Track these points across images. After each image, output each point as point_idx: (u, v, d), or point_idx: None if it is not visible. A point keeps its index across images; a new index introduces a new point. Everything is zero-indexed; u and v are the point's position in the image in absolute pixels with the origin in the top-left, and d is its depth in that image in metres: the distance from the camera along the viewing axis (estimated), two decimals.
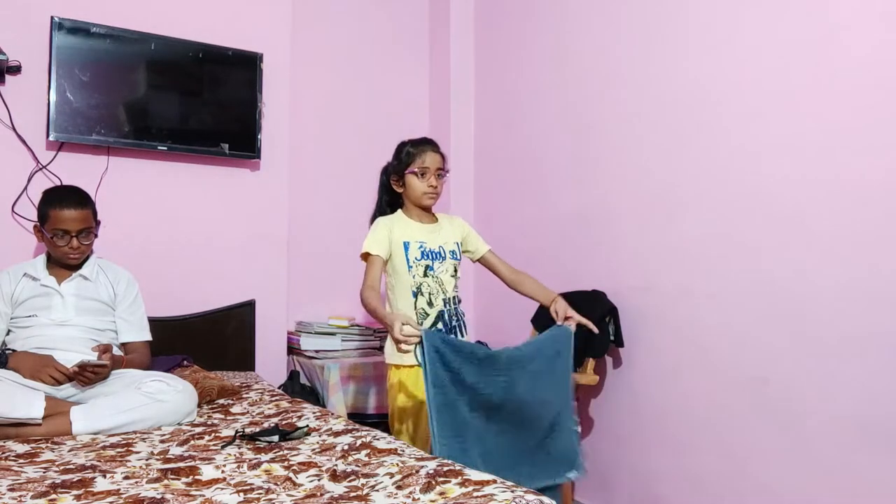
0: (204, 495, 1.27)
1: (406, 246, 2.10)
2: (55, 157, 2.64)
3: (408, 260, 2.10)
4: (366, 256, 2.07)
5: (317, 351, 3.00)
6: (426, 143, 2.17)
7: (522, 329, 2.90)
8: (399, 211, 2.21)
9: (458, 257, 2.21)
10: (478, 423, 1.83)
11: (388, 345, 2.13)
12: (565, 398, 2.03)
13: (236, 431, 1.74)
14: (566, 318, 2.06)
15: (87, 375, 1.95)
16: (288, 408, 2.07)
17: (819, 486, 1.93)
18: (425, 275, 2.11)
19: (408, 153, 2.14)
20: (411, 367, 2.06)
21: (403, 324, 1.73)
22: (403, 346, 1.72)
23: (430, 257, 2.13)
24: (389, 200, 2.24)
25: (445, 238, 2.18)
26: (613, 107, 2.67)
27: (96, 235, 2.24)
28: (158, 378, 1.98)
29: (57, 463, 1.50)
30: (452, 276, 2.18)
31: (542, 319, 2.77)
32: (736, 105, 2.19)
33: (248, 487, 1.31)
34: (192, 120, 2.86)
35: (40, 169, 2.61)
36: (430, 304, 2.11)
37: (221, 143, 2.90)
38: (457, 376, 1.78)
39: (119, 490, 1.29)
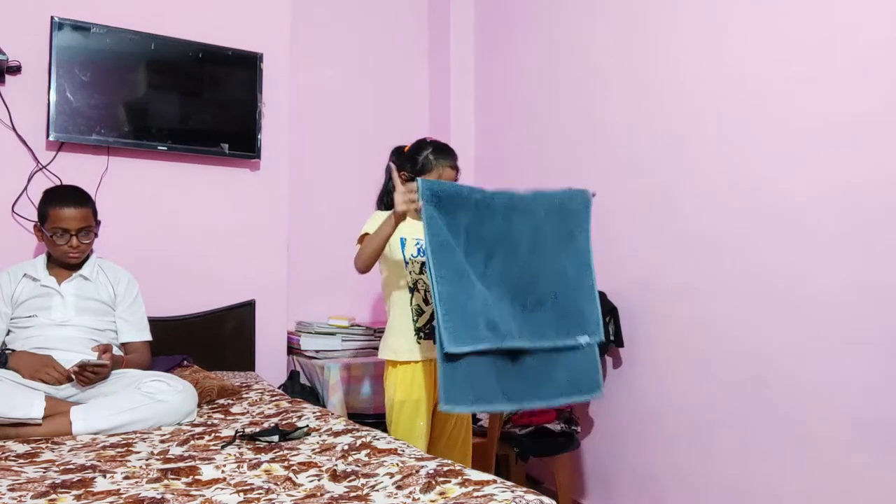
0: (204, 495, 1.27)
1: (402, 242, 2.10)
2: (55, 157, 2.64)
3: (404, 256, 2.10)
4: (362, 238, 2.06)
5: (317, 351, 3.00)
6: (447, 157, 2.12)
7: None
8: None
9: None
10: (477, 267, 1.84)
11: (384, 342, 2.15)
12: (584, 255, 1.94)
13: (236, 431, 1.74)
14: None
15: (87, 375, 1.95)
16: (288, 408, 2.07)
17: (819, 485, 1.93)
18: (421, 272, 2.11)
19: (427, 160, 2.10)
20: (407, 363, 2.07)
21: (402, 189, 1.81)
22: (413, 200, 1.80)
23: None
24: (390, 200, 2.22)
25: None
26: (613, 105, 2.67)
27: (96, 235, 2.24)
28: (158, 378, 1.98)
29: (57, 463, 1.50)
30: None
31: None
32: (736, 104, 2.19)
33: (248, 487, 1.31)
34: (192, 120, 2.86)
35: (40, 169, 2.61)
36: (426, 301, 2.09)
37: (221, 143, 2.90)
38: (454, 219, 1.82)
39: (119, 490, 1.29)
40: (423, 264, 2.10)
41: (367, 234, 2.05)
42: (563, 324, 1.89)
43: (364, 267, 2.04)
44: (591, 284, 1.93)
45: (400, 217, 1.89)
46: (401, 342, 2.08)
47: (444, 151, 2.14)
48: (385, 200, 2.20)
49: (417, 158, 2.11)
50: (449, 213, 1.84)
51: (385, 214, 2.10)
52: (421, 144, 2.16)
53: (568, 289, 1.91)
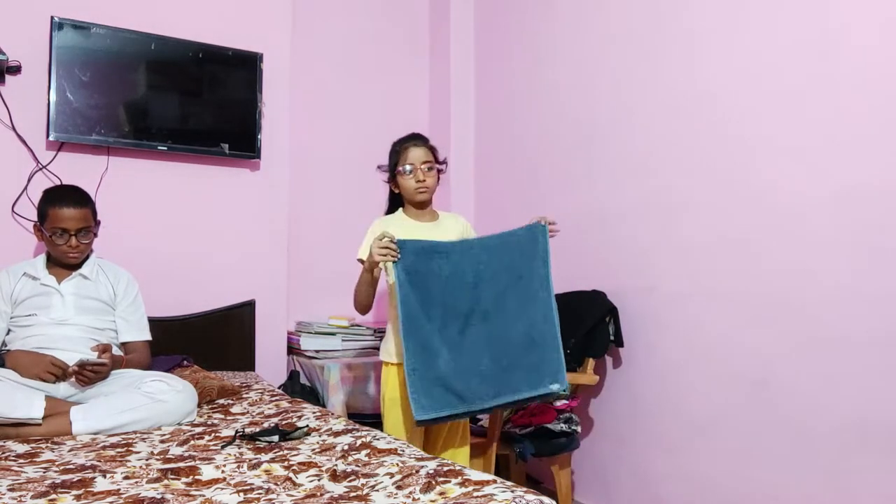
0: (204, 495, 1.27)
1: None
2: (55, 157, 2.64)
3: None
4: (361, 261, 2.10)
5: (317, 351, 3.00)
6: (409, 139, 2.16)
7: None
8: (400, 210, 2.22)
9: None
10: (451, 337, 1.95)
11: (384, 344, 2.16)
12: (547, 308, 2.02)
13: (236, 431, 1.74)
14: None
15: (87, 374, 1.95)
16: (288, 408, 2.07)
17: (819, 486, 1.93)
18: None
19: (394, 152, 2.15)
20: (402, 364, 2.06)
21: (380, 239, 1.90)
22: (379, 257, 1.90)
23: None
24: (392, 207, 2.26)
25: (446, 235, 2.17)
26: (614, 107, 2.67)
27: (96, 235, 2.24)
28: (158, 378, 1.98)
29: (57, 463, 1.50)
30: None
31: None
32: (736, 106, 2.19)
33: (248, 487, 1.31)
34: (192, 120, 2.86)
35: (40, 169, 2.61)
36: None
37: (221, 143, 2.90)
38: (427, 294, 1.94)
39: (119, 490, 1.29)
40: None
41: (361, 261, 2.08)
42: (535, 377, 1.98)
43: (362, 310, 2.11)
44: (555, 334, 2.00)
45: (374, 265, 1.97)
46: (396, 345, 2.08)
47: (406, 137, 2.17)
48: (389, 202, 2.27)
49: (390, 159, 2.16)
50: (421, 288, 1.95)
51: (381, 222, 2.15)
52: (391, 146, 2.19)
53: (536, 345, 2.00)
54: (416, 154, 2.12)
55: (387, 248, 1.91)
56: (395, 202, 2.24)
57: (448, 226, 2.21)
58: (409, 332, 1.92)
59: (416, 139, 2.17)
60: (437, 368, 1.92)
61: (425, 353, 1.93)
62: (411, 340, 1.92)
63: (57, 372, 1.96)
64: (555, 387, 1.96)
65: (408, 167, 2.11)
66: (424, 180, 2.12)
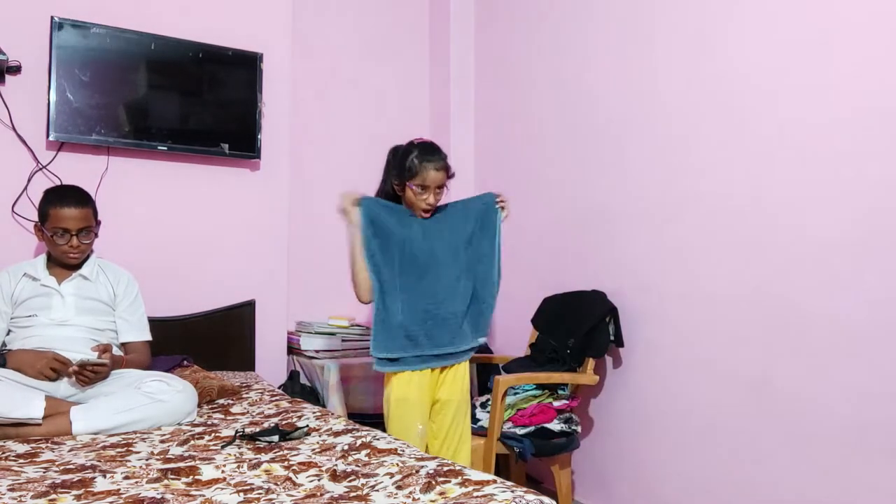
0: (204, 495, 1.27)
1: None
2: (55, 157, 2.64)
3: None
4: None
5: (317, 351, 3.00)
6: (431, 159, 2.09)
7: (523, 329, 2.90)
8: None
9: None
10: (409, 283, 2.11)
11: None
12: (488, 269, 2.20)
13: (236, 431, 1.74)
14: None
15: (87, 374, 1.95)
16: (288, 408, 2.07)
17: (818, 486, 1.93)
18: None
19: (412, 164, 2.07)
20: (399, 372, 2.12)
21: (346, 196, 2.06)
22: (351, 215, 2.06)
23: None
24: (391, 190, 2.19)
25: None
26: (614, 107, 2.67)
27: (96, 235, 2.24)
28: (158, 378, 1.99)
29: (57, 463, 1.50)
30: None
31: (542, 319, 2.77)
32: (736, 106, 2.19)
33: (248, 487, 1.31)
34: (192, 120, 2.86)
35: (40, 169, 2.61)
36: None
37: (221, 143, 2.90)
38: (386, 241, 2.10)
39: (119, 490, 1.29)
40: None
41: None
42: (475, 329, 2.21)
43: (364, 294, 2.11)
44: (493, 294, 2.22)
45: (344, 214, 2.09)
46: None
47: (429, 152, 2.11)
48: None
49: (405, 164, 2.09)
50: (382, 236, 2.10)
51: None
52: (409, 148, 2.13)
53: (478, 300, 2.20)
54: (434, 178, 2.08)
55: (352, 196, 2.07)
56: (392, 193, 2.19)
57: None
58: (373, 272, 2.08)
59: (439, 160, 2.11)
60: (397, 313, 2.08)
61: (387, 296, 2.08)
62: (374, 281, 2.08)
63: (60, 368, 1.96)
64: (481, 340, 2.22)
65: (421, 188, 2.08)
66: (433, 203, 2.12)
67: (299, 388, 2.85)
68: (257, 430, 1.78)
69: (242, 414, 2.07)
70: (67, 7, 2.64)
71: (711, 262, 2.26)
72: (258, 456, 1.55)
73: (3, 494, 1.24)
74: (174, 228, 2.86)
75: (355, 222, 2.06)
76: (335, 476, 1.39)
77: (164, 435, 1.80)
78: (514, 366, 2.62)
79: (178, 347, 2.66)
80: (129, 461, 1.52)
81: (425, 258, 2.12)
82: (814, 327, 1.96)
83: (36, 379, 1.94)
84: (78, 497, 1.25)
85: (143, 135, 2.75)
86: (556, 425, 2.41)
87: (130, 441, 1.73)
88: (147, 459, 1.54)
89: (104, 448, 1.65)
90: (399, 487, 1.28)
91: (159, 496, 1.25)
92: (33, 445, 1.68)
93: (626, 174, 2.60)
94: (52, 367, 1.96)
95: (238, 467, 1.46)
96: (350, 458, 1.50)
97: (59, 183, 2.54)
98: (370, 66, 3.53)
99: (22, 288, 2.16)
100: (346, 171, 3.39)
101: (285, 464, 1.47)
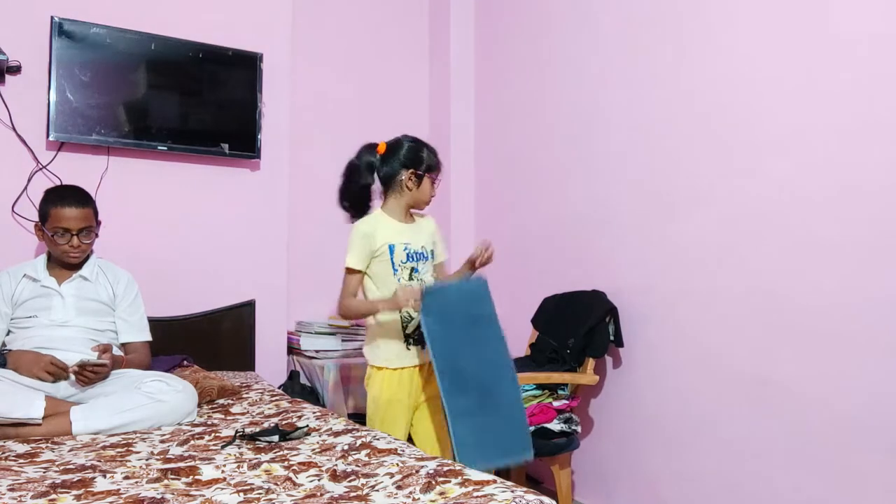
0: (204, 495, 1.27)
1: (392, 249, 2.06)
2: (55, 157, 2.64)
3: (393, 264, 2.06)
4: (350, 271, 2.06)
5: (317, 351, 3.00)
6: (437, 155, 2.16)
7: (523, 330, 2.90)
8: (379, 210, 2.14)
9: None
10: (480, 381, 1.98)
11: (373, 349, 2.13)
12: (506, 369, 2.06)
13: (236, 431, 1.74)
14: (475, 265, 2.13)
15: (87, 375, 1.95)
16: (288, 408, 2.07)
17: (818, 486, 1.93)
18: (410, 278, 2.08)
19: (429, 157, 2.11)
20: (395, 369, 2.09)
21: (411, 299, 1.93)
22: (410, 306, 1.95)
23: (415, 258, 2.10)
24: (360, 193, 2.15)
25: (424, 238, 2.15)
26: (614, 107, 2.67)
27: (97, 235, 2.24)
28: (158, 378, 1.98)
29: (57, 463, 1.50)
30: (433, 276, 2.15)
31: (542, 319, 2.77)
32: (735, 107, 2.19)
33: (248, 487, 1.31)
34: (191, 120, 2.86)
35: (40, 169, 2.61)
36: (407, 313, 2.09)
37: (221, 143, 2.90)
38: (450, 333, 1.97)
39: (119, 490, 1.29)
40: (412, 270, 2.09)
41: (352, 269, 2.05)
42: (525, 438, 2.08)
43: (350, 319, 2.12)
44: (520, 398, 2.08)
45: (398, 308, 2.01)
46: (392, 351, 2.08)
47: (435, 153, 2.15)
48: (350, 202, 2.17)
49: (420, 156, 2.09)
50: (445, 322, 1.97)
51: (367, 226, 2.07)
52: (417, 143, 2.12)
53: (519, 406, 2.09)
54: (441, 170, 2.17)
55: (416, 298, 1.94)
56: (365, 191, 2.16)
57: (423, 227, 2.19)
58: (443, 372, 1.92)
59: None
60: (477, 412, 1.93)
61: (464, 395, 1.93)
62: (446, 380, 1.91)
63: (56, 372, 1.96)
64: (528, 455, 2.06)
65: (436, 179, 2.14)
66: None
67: (299, 388, 2.86)
68: (257, 430, 1.78)
69: (242, 414, 2.07)
70: (67, 7, 2.64)
71: (711, 262, 2.26)
72: (258, 456, 1.55)
73: (3, 494, 1.24)
74: (174, 228, 2.86)
75: (417, 311, 1.99)
76: (335, 476, 1.39)
77: (164, 435, 1.80)
78: (514, 366, 2.61)
79: (178, 347, 2.66)
80: (129, 461, 1.52)
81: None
82: (813, 327, 1.96)
83: (33, 380, 1.94)
84: (78, 497, 1.25)
85: (143, 135, 2.75)
86: (556, 425, 2.41)
87: (130, 441, 1.73)
88: (147, 459, 1.54)
89: (104, 448, 1.65)
90: (399, 487, 1.28)
91: (159, 496, 1.25)
92: (33, 445, 1.68)
93: (626, 174, 2.60)
94: (49, 371, 1.95)
95: (238, 467, 1.46)
96: (350, 458, 1.50)
97: (59, 183, 2.54)
98: (370, 66, 3.53)
99: (22, 289, 2.16)
100: None
101: (285, 464, 1.47)
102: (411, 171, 2.08)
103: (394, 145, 2.11)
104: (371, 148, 2.15)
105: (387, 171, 2.11)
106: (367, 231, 2.05)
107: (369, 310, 2.07)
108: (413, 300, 1.92)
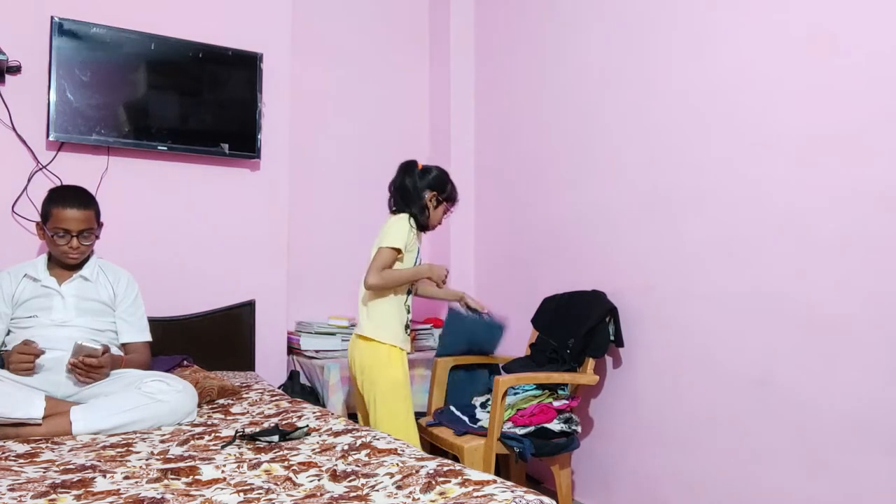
0: (204, 495, 1.27)
1: (418, 251, 2.42)
2: (55, 157, 2.64)
3: (416, 263, 2.42)
4: (394, 251, 2.29)
5: (317, 351, 3.00)
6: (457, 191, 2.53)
7: (523, 329, 2.90)
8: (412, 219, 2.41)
9: None
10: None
11: (383, 328, 2.33)
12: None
13: (236, 431, 1.74)
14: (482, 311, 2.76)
15: (82, 368, 1.94)
16: (288, 408, 2.07)
17: (819, 486, 1.93)
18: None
19: (452, 189, 2.47)
20: (401, 350, 2.37)
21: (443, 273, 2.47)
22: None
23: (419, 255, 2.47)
24: (413, 201, 2.41)
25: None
26: (613, 109, 2.67)
27: (97, 237, 2.24)
28: (158, 378, 1.98)
29: (57, 463, 1.50)
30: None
31: (542, 319, 2.77)
32: (737, 107, 2.19)
33: (248, 487, 1.31)
34: (192, 120, 2.86)
35: (40, 169, 2.61)
36: (408, 306, 2.45)
37: (221, 143, 2.90)
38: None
39: (119, 490, 1.29)
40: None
41: (397, 249, 2.29)
42: None
43: (386, 290, 2.32)
44: None
45: (433, 276, 2.43)
46: (399, 332, 2.36)
47: (456, 189, 2.50)
48: (418, 218, 2.41)
49: (447, 188, 2.44)
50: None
51: (410, 225, 2.36)
52: (444, 174, 2.45)
53: None
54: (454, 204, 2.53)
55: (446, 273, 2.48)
56: (410, 208, 2.39)
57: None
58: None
59: None
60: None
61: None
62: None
63: (28, 359, 1.94)
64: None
65: (450, 210, 2.51)
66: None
67: (299, 388, 2.86)
68: (257, 430, 1.78)
69: (242, 414, 2.07)
70: (67, 7, 2.64)
71: (711, 261, 2.26)
72: (258, 456, 1.55)
73: (3, 494, 1.24)
74: (174, 228, 2.86)
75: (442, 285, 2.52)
76: (335, 476, 1.39)
77: (164, 435, 1.80)
78: (514, 366, 2.62)
79: (178, 347, 2.67)
80: (129, 461, 1.52)
81: None
82: (813, 327, 1.96)
83: (18, 376, 1.94)
84: (78, 497, 1.25)
85: (143, 135, 2.75)
86: (556, 425, 2.41)
87: (130, 441, 1.73)
88: (147, 459, 1.54)
89: (104, 448, 1.65)
90: (399, 487, 1.28)
91: (159, 496, 1.25)
92: (33, 445, 1.68)
93: (626, 174, 2.60)
94: (21, 361, 1.92)
95: (238, 467, 1.46)
96: (350, 458, 1.50)
97: (59, 183, 2.54)
98: (370, 66, 3.53)
99: (23, 289, 2.16)
100: (346, 172, 3.39)
101: (285, 464, 1.47)
102: (434, 192, 2.41)
103: (428, 168, 2.45)
104: (412, 164, 2.45)
105: (414, 185, 2.41)
106: (412, 227, 2.36)
107: (413, 275, 2.35)
108: (446, 274, 2.45)
